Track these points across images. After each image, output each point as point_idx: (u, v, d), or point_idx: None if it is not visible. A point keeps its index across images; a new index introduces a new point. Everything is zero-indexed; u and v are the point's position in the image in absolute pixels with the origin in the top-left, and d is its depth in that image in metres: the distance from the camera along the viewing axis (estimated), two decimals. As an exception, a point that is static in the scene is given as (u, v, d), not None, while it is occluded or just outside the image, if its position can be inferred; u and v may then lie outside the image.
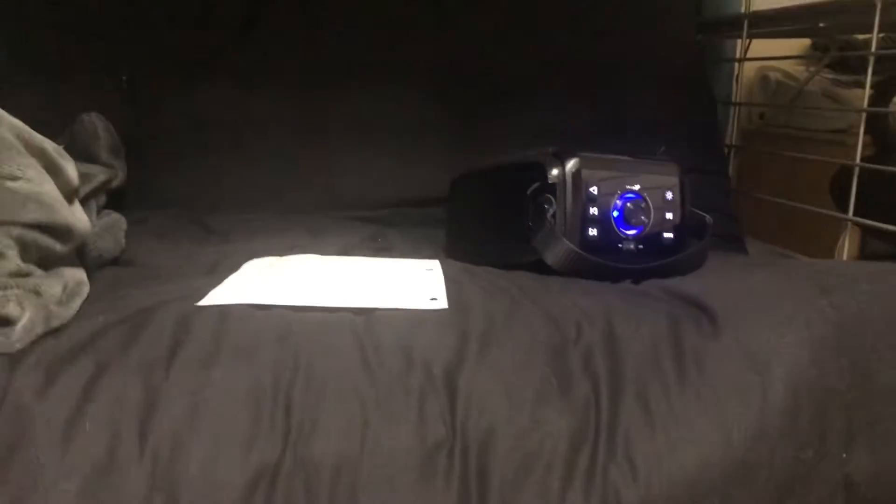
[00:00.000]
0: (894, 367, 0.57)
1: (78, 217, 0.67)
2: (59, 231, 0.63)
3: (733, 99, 1.40)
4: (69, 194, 0.69)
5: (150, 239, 0.90)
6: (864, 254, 1.41)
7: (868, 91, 1.04)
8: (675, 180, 0.77)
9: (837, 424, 0.55)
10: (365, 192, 1.06)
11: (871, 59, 1.02)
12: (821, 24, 1.13)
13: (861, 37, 1.37)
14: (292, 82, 1.10)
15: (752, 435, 0.52)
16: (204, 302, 0.62)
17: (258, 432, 0.49)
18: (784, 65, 1.61)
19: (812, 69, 1.53)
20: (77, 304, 0.60)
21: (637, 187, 0.75)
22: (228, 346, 0.55)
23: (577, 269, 0.72)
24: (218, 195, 1.04)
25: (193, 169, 1.06)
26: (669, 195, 0.77)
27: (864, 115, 1.06)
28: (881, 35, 1.48)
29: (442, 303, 0.64)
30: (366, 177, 1.07)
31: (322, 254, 0.83)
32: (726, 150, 1.37)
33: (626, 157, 0.77)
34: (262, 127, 1.08)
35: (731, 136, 1.41)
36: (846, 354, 0.56)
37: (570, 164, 0.74)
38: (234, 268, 0.76)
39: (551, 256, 0.72)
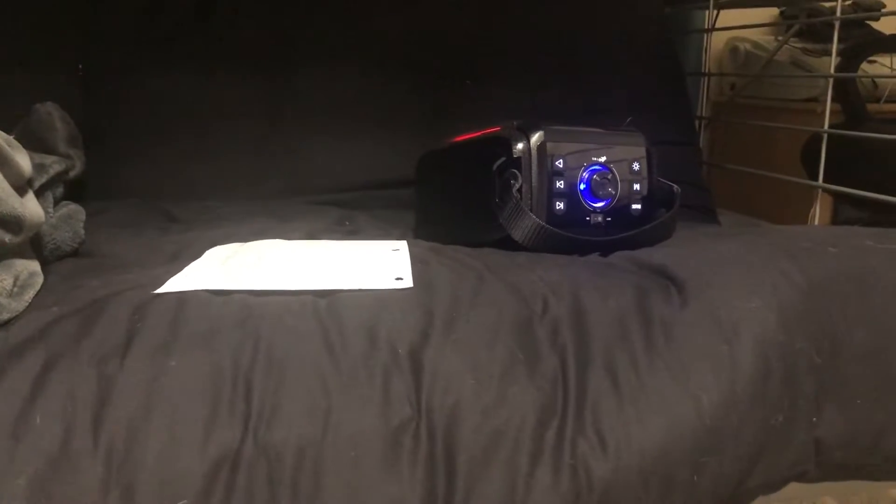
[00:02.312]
0: (863, 329, 0.56)
1: (29, 208, 0.65)
2: (9, 222, 0.60)
3: (703, 70, 1.39)
4: (20, 185, 0.67)
5: (111, 229, 0.88)
6: (838, 221, 1.42)
7: (834, 58, 1.03)
8: (641, 151, 0.76)
9: (807, 388, 0.54)
10: (332, 175, 1.04)
11: (837, 25, 1.01)
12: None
13: (827, 4, 1.37)
14: (255, 66, 1.08)
15: (722, 402, 0.51)
16: (162, 290, 0.60)
17: (217, 419, 0.48)
18: (753, 35, 1.60)
19: (780, 38, 1.53)
20: (29, 295, 0.58)
21: (603, 159, 0.74)
22: (186, 334, 0.53)
23: (544, 244, 0.71)
24: (181, 183, 1.02)
25: (156, 157, 1.03)
26: (636, 166, 0.76)
27: (830, 82, 1.06)
28: (847, 2, 1.49)
29: (407, 282, 0.63)
30: (333, 160, 1.05)
31: (288, 239, 0.81)
32: (697, 121, 1.36)
33: (591, 129, 0.76)
34: (226, 112, 1.06)
35: (702, 107, 1.40)
36: (814, 318, 0.56)
37: (535, 138, 0.73)
38: (197, 256, 0.74)
39: (518, 232, 0.71)
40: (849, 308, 0.57)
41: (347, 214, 0.98)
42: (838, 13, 1.01)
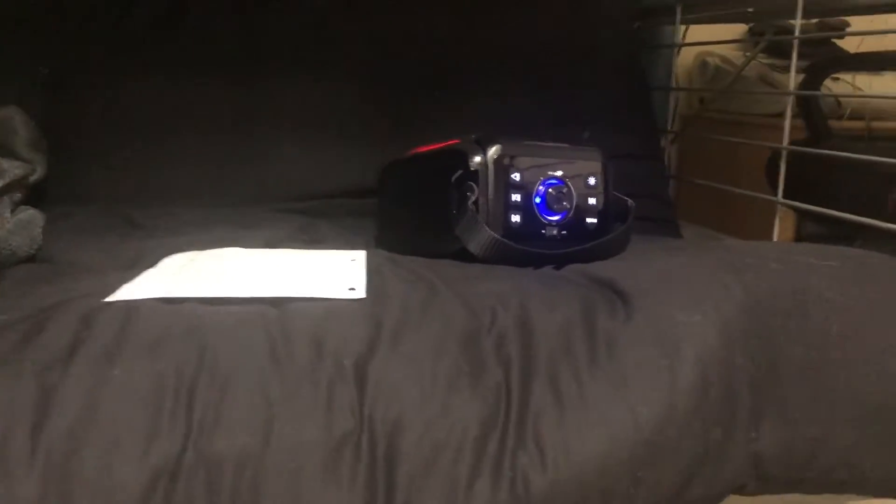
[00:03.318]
0: (802, 345, 0.57)
1: (-18, 214, 0.65)
2: (-41, 228, 0.60)
3: (672, 84, 1.41)
4: (-26, 190, 0.67)
5: (71, 235, 0.88)
6: (801, 237, 1.44)
7: (793, 74, 1.05)
8: (597, 166, 0.77)
9: (746, 403, 0.55)
10: (296, 183, 1.04)
11: (796, 44, 1.03)
12: (749, 10, 1.14)
13: (794, 21, 1.39)
14: (222, 74, 1.08)
15: (660, 416, 0.52)
16: (112, 298, 0.60)
17: (158, 430, 0.48)
18: (722, 50, 1.63)
19: (748, 54, 1.55)
20: (-23, 302, 0.58)
21: (559, 173, 0.75)
22: (132, 343, 0.53)
23: (499, 257, 0.72)
24: (145, 189, 1.02)
25: (119, 163, 1.03)
26: (592, 180, 0.77)
27: (792, 98, 1.08)
28: (815, 21, 1.51)
29: (360, 293, 0.63)
30: (299, 168, 1.06)
31: (248, 247, 0.82)
32: (667, 135, 1.38)
33: (548, 143, 0.77)
34: (191, 119, 1.06)
35: (671, 121, 1.42)
36: (755, 333, 0.57)
37: (492, 151, 0.74)
38: (156, 263, 0.74)
39: (474, 244, 0.72)
40: (788, 324, 0.58)
41: (311, 223, 0.98)
42: (797, 32, 1.03)
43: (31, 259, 0.79)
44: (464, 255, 0.73)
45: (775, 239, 1.11)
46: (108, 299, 0.60)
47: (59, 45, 1.06)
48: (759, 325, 0.57)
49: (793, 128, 1.09)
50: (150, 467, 0.47)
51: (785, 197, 1.06)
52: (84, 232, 0.90)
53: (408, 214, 0.86)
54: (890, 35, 1.02)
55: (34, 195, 0.92)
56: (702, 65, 1.64)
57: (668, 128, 1.37)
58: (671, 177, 1.40)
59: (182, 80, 1.06)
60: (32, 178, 0.90)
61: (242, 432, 0.49)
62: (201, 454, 0.48)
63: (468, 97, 1.11)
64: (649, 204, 1.10)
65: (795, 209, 1.12)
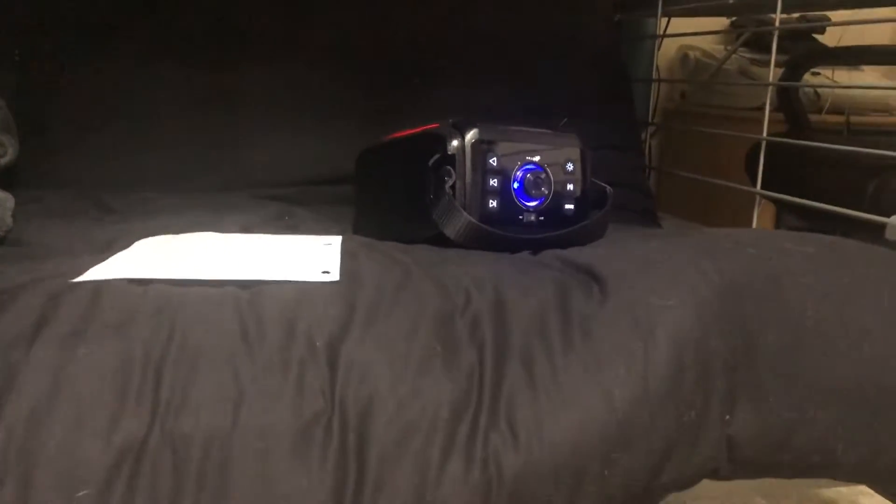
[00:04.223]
0: (776, 329, 0.57)
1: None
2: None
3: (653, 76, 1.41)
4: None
5: (42, 218, 0.86)
6: (780, 228, 1.45)
7: (772, 67, 1.05)
8: (576, 152, 0.77)
9: (720, 386, 0.55)
10: (274, 169, 1.03)
11: (775, 36, 1.03)
12: (730, 0, 1.15)
13: (774, 15, 1.40)
14: (199, 58, 1.06)
15: (634, 398, 0.52)
16: (80, 278, 0.59)
17: (124, 409, 0.47)
18: (703, 43, 1.63)
19: (729, 48, 1.56)
20: (-59, 282, 0.57)
21: (537, 159, 0.75)
22: (99, 322, 0.52)
23: (476, 241, 0.71)
24: (120, 174, 1.00)
25: (94, 147, 1.02)
26: (570, 166, 0.76)
27: (770, 90, 1.08)
28: (796, 15, 1.52)
29: (334, 275, 0.62)
30: (276, 154, 1.05)
31: (224, 232, 0.80)
32: (648, 128, 1.38)
33: (527, 129, 0.77)
34: (168, 104, 1.05)
35: (652, 113, 1.42)
36: (729, 317, 0.57)
37: (470, 135, 0.73)
38: (128, 246, 0.73)
39: (450, 229, 0.71)
40: (763, 308, 0.58)
41: (288, 209, 0.97)
42: (777, 23, 1.03)
43: (0, 242, 0.77)
44: (441, 240, 0.73)
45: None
46: (76, 280, 0.59)
47: (31, 30, 1.04)
48: (734, 308, 0.57)
49: (774, 122, 1.09)
50: (115, 447, 0.46)
51: (766, 189, 1.06)
52: (56, 215, 0.89)
53: (385, 200, 0.85)
54: (870, 30, 1.02)
55: (4, 178, 0.91)
56: (683, 58, 1.65)
57: (650, 121, 1.37)
58: (651, 168, 1.40)
59: (156, 63, 1.05)
60: (3, 161, 0.88)
61: (210, 412, 0.48)
62: (168, 434, 0.47)
63: (447, 85, 1.11)
64: (629, 195, 1.10)
65: (774, 200, 1.12)
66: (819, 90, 1.47)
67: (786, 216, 1.45)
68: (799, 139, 1.10)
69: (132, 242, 0.74)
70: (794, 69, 1.28)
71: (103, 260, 0.66)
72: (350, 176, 0.97)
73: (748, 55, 1.59)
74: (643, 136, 1.34)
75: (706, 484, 0.58)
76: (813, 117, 1.38)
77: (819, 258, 0.63)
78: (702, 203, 1.50)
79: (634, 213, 1.08)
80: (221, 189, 1.00)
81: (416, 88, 1.09)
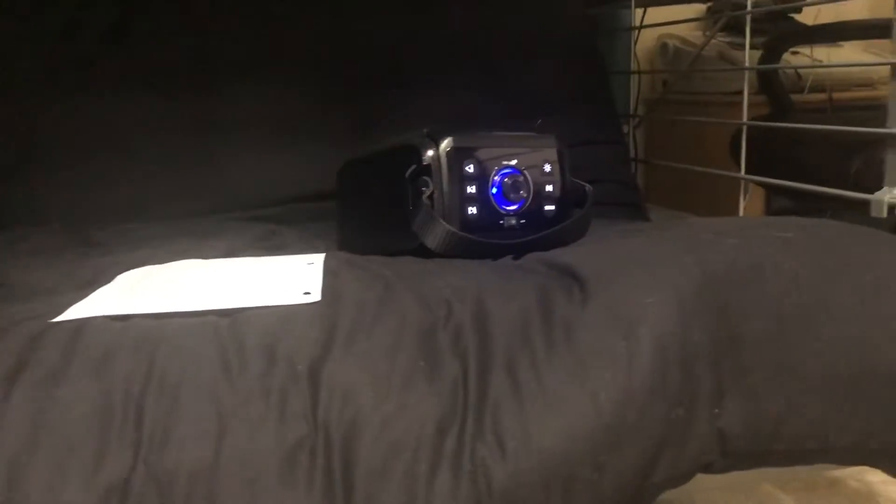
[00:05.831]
0: (760, 318, 0.57)
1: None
2: None
3: (632, 68, 1.41)
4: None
5: (28, 257, 0.86)
6: (770, 212, 1.44)
7: (748, 51, 1.05)
8: (552, 153, 0.77)
9: (707, 381, 0.55)
10: (257, 191, 1.03)
11: (748, 19, 1.03)
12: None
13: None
14: (174, 85, 1.07)
15: (620, 399, 0.52)
16: (61, 318, 0.59)
17: (107, 449, 0.47)
18: (681, 31, 1.63)
19: (707, 34, 1.55)
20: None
21: (514, 162, 0.75)
22: (79, 362, 0.52)
23: (457, 250, 0.71)
24: (102, 207, 1.00)
25: (75, 182, 1.02)
26: (548, 167, 0.76)
27: (748, 74, 1.08)
28: (772, -2, 1.52)
29: (315, 296, 0.62)
30: (258, 175, 1.05)
31: (208, 257, 0.80)
32: (631, 119, 1.38)
33: (502, 133, 0.77)
34: (146, 132, 1.05)
35: (634, 105, 1.42)
36: (711, 310, 0.56)
37: (444, 144, 0.73)
38: (110, 281, 0.72)
39: (430, 239, 0.71)
40: (746, 297, 0.57)
41: (274, 229, 0.97)
42: (749, 6, 1.03)
43: (-17, 285, 0.77)
44: (424, 252, 0.73)
45: (743, 215, 1.11)
46: (56, 319, 0.59)
47: (8, 65, 1.04)
48: (716, 300, 0.57)
49: (759, 104, 1.09)
50: (100, 487, 0.46)
51: (754, 173, 1.06)
52: (40, 253, 0.89)
53: (366, 214, 0.85)
54: (845, 6, 1.02)
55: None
56: (662, 47, 1.64)
57: (632, 112, 1.37)
58: (636, 160, 1.40)
59: (134, 94, 1.05)
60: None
61: (193, 446, 0.48)
62: (152, 470, 0.47)
63: (425, 94, 1.11)
64: (614, 189, 1.10)
65: (758, 184, 1.12)
66: (800, 69, 1.46)
67: (776, 198, 1.44)
68: (783, 120, 1.10)
69: (115, 276, 0.74)
70: (771, 51, 1.28)
71: (85, 296, 0.66)
72: (332, 192, 0.97)
73: (727, 39, 1.59)
74: (626, 128, 1.34)
75: (709, 475, 0.58)
76: (795, 97, 1.37)
77: (800, 243, 0.63)
78: (690, 191, 1.49)
79: (620, 208, 1.08)
80: (206, 214, 1.00)
81: (393, 96, 1.09)
